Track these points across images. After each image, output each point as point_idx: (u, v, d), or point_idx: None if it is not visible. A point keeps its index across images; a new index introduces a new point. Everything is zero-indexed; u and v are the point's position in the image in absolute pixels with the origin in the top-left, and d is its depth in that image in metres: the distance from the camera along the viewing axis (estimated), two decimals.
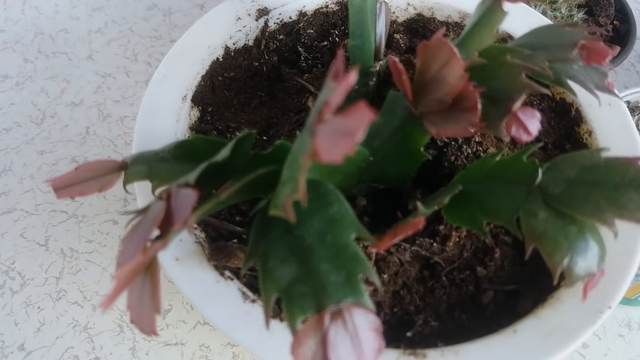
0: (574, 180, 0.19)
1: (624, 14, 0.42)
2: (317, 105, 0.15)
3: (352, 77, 0.14)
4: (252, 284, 0.22)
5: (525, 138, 0.19)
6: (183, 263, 0.22)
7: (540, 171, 0.20)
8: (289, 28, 0.31)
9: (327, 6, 0.31)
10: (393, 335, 0.22)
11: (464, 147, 0.25)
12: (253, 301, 0.21)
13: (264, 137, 0.28)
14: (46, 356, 0.37)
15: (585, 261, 0.18)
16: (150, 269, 0.16)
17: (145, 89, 0.48)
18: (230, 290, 0.22)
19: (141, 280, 0.17)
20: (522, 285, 0.24)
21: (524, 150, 0.21)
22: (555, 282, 0.19)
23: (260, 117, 0.29)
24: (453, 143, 0.26)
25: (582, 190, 0.19)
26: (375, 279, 0.17)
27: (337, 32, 0.31)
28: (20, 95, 0.48)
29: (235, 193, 0.17)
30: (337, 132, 0.13)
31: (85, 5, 0.54)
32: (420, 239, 0.24)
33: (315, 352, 0.16)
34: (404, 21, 0.32)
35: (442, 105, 0.20)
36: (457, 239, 0.24)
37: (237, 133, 0.28)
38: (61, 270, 0.40)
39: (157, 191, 0.21)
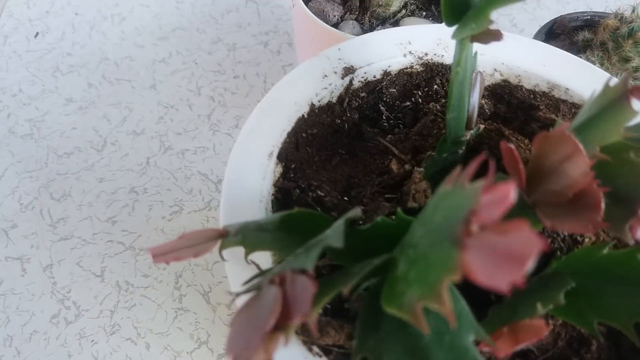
0: None
1: None
2: (453, 208, 0.15)
3: (512, 195, 0.13)
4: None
5: None
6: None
7: None
8: (372, 86, 0.31)
9: (412, 67, 0.31)
10: None
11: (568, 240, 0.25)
12: None
13: (345, 198, 0.28)
14: None
15: None
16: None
17: (207, 124, 0.48)
18: None
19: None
20: None
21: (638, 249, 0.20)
22: None
23: (341, 176, 0.28)
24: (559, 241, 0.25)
25: None
26: None
27: (420, 93, 0.31)
28: (82, 120, 0.48)
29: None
30: (496, 254, 0.12)
31: (151, 35, 0.55)
32: None
33: None
34: (489, 86, 0.32)
35: (560, 198, 0.19)
36: (552, 327, 0.23)
37: (319, 191, 0.27)
38: (116, 304, 0.39)
39: (269, 275, 0.21)
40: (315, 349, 0.22)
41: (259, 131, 0.27)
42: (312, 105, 0.29)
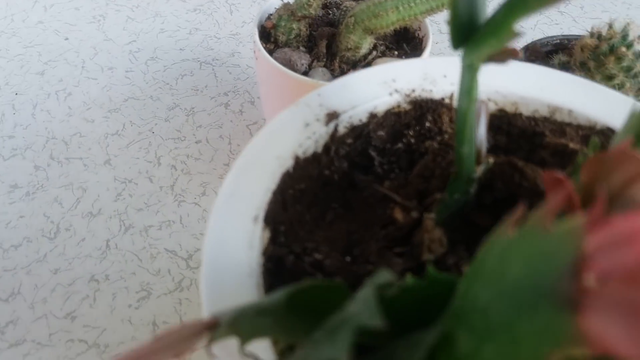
0: None
1: None
2: (539, 258, 0.11)
3: None
4: None
5: None
6: None
7: None
8: (358, 131, 0.27)
9: (399, 106, 0.28)
10: None
11: None
12: None
13: (347, 258, 0.24)
14: None
15: None
16: None
17: (170, 196, 0.44)
18: None
19: None
20: None
21: None
22: None
23: (338, 234, 0.25)
24: None
25: None
26: None
27: (411, 133, 0.28)
28: (30, 207, 0.43)
29: None
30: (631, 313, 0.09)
31: (101, 107, 0.51)
32: None
33: None
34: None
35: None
36: None
37: (316, 255, 0.23)
38: None
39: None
40: None
41: (239, 194, 0.23)
42: (297, 157, 0.25)
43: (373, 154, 0.27)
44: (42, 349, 0.36)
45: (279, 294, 0.16)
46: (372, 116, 0.28)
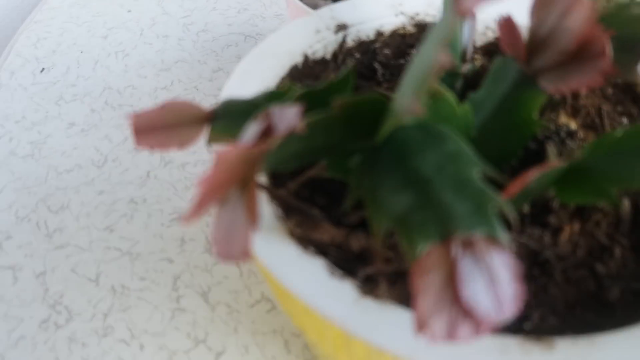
0: None
1: None
2: None
3: None
4: (340, 264, 0.20)
5: None
6: (265, 236, 0.20)
7: None
8: (365, 47, 0.31)
9: (404, 28, 0.31)
10: (508, 328, 0.19)
11: (568, 141, 0.23)
12: (342, 277, 0.19)
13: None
14: None
15: None
16: (246, 187, 0.14)
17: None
18: (315, 264, 0.19)
19: (233, 203, 0.15)
20: None
21: None
22: None
23: None
24: (555, 136, 0.24)
25: None
26: (511, 210, 0.14)
27: (414, 52, 0.31)
28: (84, 141, 0.49)
29: (342, 120, 0.16)
30: None
31: (153, 67, 0.56)
32: (530, 229, 0.21)
33: (442, 285, 0.13)
34: (482, 46, 0.32)
35: (563, 57, 0.18)
36: (570, 235, 0.21)
37: None
38: (110, 307, 0.37)
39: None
40: (312, 249, 0.20)
41: (252, 73, 0.27)
42: (307, 56, 0.29)
43: (377, 67, 0.31)
44: (83, 253, 0.40)
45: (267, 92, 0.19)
46: (379, 34, 0.31)
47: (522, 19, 0.31)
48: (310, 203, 0.22)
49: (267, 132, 0.14)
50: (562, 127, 0.24)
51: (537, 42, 0.19)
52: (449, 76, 0.26)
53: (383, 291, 0.19)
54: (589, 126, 0.25)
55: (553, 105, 0.25)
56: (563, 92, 0.18)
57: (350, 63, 0.31)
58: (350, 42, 0.31)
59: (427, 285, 0.13)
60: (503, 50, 0.20)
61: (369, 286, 0.19)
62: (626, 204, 0.23)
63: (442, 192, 0.15)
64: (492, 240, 0.14)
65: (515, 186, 0.16)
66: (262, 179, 0.23)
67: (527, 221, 0.22)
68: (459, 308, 0.13)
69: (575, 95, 0.25)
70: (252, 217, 0.14)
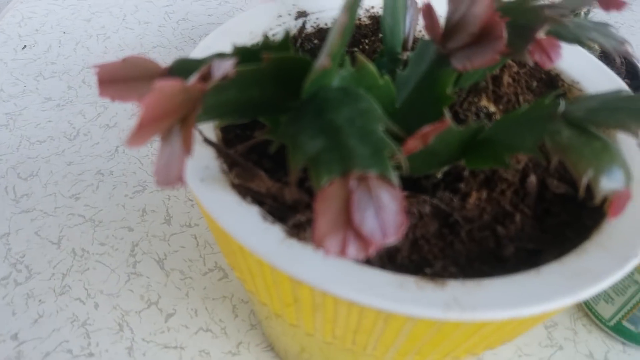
0: (597, 108, 0.20)
1: (633, 72, 0.45)
2: None
3: None
4: (273, 213, 0.22)
5: (548, 64, 0.20)
6: (207, 184, 0.22)
7: (562, 102, 0.20)
8: (323, 34, 0.33)
9: (359, 19, 0.34)
10: (410, 271, 0.21)
11: (486, 121, 0.26)
12: (273, 222, 0.21)
13: None
14: (39, 347, 0.35)
15: (610, 176, 0.18)
16: (185, 123, 0.17)
17: None
18: (251, 211, 0.21)
19: (173, 138, 0.17)
20: (545, 245, 0.23)
21: (546, 95, 0.22)
22: (581, 192, 0.18)
23: None
24: (474, 117, 0.26)
25: (605, 113, 0.19)
26: (401, 157, 0.17)
27: (367, 42, 0.34)
28: (58, 115, 0.51)
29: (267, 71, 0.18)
30: None
31: (132, 50, 0.59)
32: (441, 192, 0.24)
33: (339, 210, 0.16)
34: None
35: (470, 39, 0.21)
36: (477, 200, 0.24)
37: None
38: (69, 268, 0.39)
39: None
40: (250, 200, 0.22)
41: (214, 47, 0.29)
42: (266, 37, 0.31)
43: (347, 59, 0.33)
44: (47, 217, 0.42)
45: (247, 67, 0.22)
46: None
47: (443, 8, 0.34)
48: (257, 166, 0.25)
49: (206, 77, 0.17)
50: (482, 109, 0.27)
51: (451, 27, 0.22)
52: (390, 61, 0.29)
53: (308, 235, 0.21)
54: (508, 112, 0.27)
55: (477, 90, 0.28)
56: (468, 68, 0.21)
57: (307, 47, 0.33)
58: (309, 29, 0.33)
59: (326, 210, 0.16)
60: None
61: (296, 230, 0.21)
62: (532, 179, 0.25)
63: (349, 139, 0.17)
64: (384, 178, 0.17)
65: (413, 140, 0.18)
66: (213, 137, 0.26)
67: (441, 186, 0.25)
68: (351, 230, 0.16)
69: (498, 84, 0.28)
70: (187, 148, 0.16)
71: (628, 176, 0.19)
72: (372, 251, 0.16)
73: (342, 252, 0.16)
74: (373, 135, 0.18)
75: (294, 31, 0.33)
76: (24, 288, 0.38)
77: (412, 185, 0.25)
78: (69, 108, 0.51)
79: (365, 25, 0.34)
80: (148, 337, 0.36)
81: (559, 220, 0.25)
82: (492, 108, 0.27)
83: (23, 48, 0.57)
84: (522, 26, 0.21)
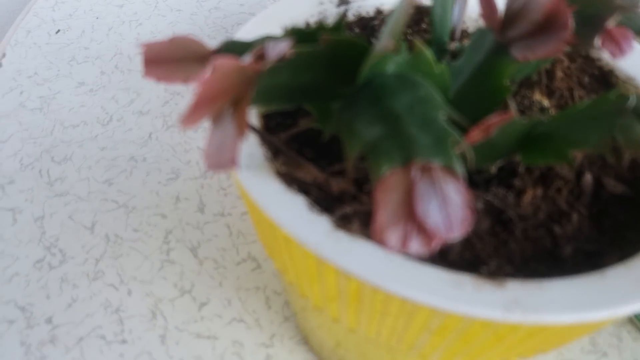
0: None
1: None
2: None
3: None
4: (319, 203, 0.21)
5: (618, 55, 0.19)
6: (252, 172, 0.22)
7: (633, 97, 0.19)
8: (365, 22, 0.33)
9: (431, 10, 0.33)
10: (463, 270, 0.20)
11: (539, 116, 0.25)
12: (320, 213, 0.21)
13: None
14: (72, 332, 0.35)
15: None
16: (239, 105, 0.16)
17: None
18: (297, 200, 0.21)
19: (225, 120, 0.16)
20: (604, 247, 0.22)
21: (610, 91, 0.20)
22: None
23: None
24: (528, 111, 0.25)
25: None
26: (466, 147, 0.16)
27: (410, 31, 0.33)
28: (91, 100, 0.50)
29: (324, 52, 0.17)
30: None
31: (164, 37, 0.58)
32: (494, 188, 0.23)
33: (400, 202, 0.15)
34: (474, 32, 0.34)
35: (532, 28, 0.20)
36: (532, 198, 0.23)
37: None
38: (102, 254, 0.39)
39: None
40: (296, 188, 0.22)
41: (255, 34, 0.29)
42: (308, 25, 0.30)
43: (374, 42, 0.32)
44: (81, 202, 0.42)
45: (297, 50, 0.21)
46: (379, 12, 0.33)
47: None
48: (300, 155, 0.24)
49: (261, 58, 0.16)
50: (535, 103, 0.26)
51: (511, 15, 0.21)
52: (438, 52, 0.28)
53: (355, 228, 0.20)
54: (562, 107, 0.26)
55: (530, 84, 0.27)
56: (530, 58, 0.20)
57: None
58: (350, 17, 0.32)
59: (387, 201, 0.15)
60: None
61: (343, 222, 0.21)
62: (588, 177, 0.24)
63: (409, 126, 0.16)
64: (448, 169, 0.16)
65: (477, 131, 0.18)
66: (256, 124, 0.25)
67: (494, 182, 0.24)
68: (413, 223, 0.15)
69: (551, 78, 0.27)
70: (241, 131, 0.16)
71: None
72: (435, 246, 0.15)
73: (404, 246, 0.15)
74: (434, 124, 0.17)
75: (335, 19, 0.32)
76: (58, 272, 0.38)
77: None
78: (102, 93, 0.51)
79: (409, 14, 0.33)
80: (181, 326, 0.35)
81: (616, 222, 0.23)
82: (545, 102, 0.26)
83: (57, 32, 0.57)
84: (591, 15, 0.19)
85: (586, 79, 0.29)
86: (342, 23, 0.20)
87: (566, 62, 0.30)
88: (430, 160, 0.16)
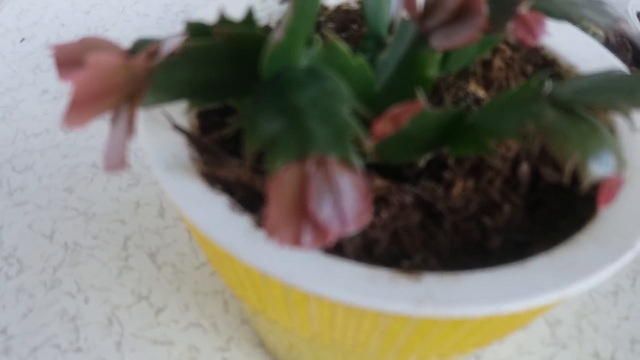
0: (586, 88, 0.18)
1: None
2: None
3: None
4: (243, 201, 0.21)
5: (531, 41, 0.19)
6: (174, 172, 0.21)
7: (549, 82, 0.19)
8: None
9: (347, 4, 0.33)
10: (387, 263, 0.20)
11: (474, 107, 0.25)
12: (242, 213, 0.20)
13: None
14: (27, 342, 0.35)
15: (599, 161, 0.17)
16: (131, 102, 0.16)
17: None
18: (218, 200, 0.20)
19: (120, 119, 0.16)
20: (534, 237, 0.22)
21: (532, 78, 0.20)
22: (566, 179, 0.17)
23: None
24: (463, 102, 0.25)
25: (594, 93, 0.18)
26: (365, 139, 0.16)
27: (355, 27, 0.33)
28: (55, 108, 0.50)
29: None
30: None
31: (130, 43, 0.58)
32: (423, 181, 0.23)
33: (293, 198, 0.15)
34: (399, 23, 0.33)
35: (449, 15, 0.20)
36: (463, 190, 0.23)
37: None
38: (61, 262, 0.39)
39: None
40: (219, 188, 0.21)
41: None
42: (223, 14, 0.30)
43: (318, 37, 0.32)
44: (40, 210, 0.42)
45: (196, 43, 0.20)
46: (324, 8, 0.33)
47: None
48: (236, 155, 0.24)
49: (154, 54, 0.16)
50: (470, 94, 0.25)
51: (430, 3, 0.20)
52: (375, 45, 0.28)
53: None
54: None
55: (466, 75, 0.26)
56: (447, 47, 0.19)
57: None
58: None
59: (279, 197, 0.15)
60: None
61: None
62: (524, 167, 0.24)
63: (310, 120, 0.16)
64: (345, 163, 0.15)
65: (382, 122, 0.17)
66: (187, 124, 0.25)
67: (425, 175, 0.23)
68: (306, 218, 0.15)
69: (488, 68, 0.27)
70: (130, 129, 0.15)
71: (620, 161, 0.18)
72: (330, 240, 0.15)
73: (296, 242, 0.14)
74: (336, 117, 0.16)
75: (278, 16, 0.32)
76: (15, 282, 0.37)
77: (393, 174, 0.23)
78: (66, 101, 0.51)
79: (354, 10, 0.33)
80: (137, 332, 0.35)
81: (551, 211, 0.23)
82: (481, 93, 0.26)
83: (21, 41, 0.57)
84: (506, 1, 0.19)
85: (529, 68, 0.29)
86: (252, 16, 0.20)
87: (508, 52, 0.29)
88: (326, 153, 0.15)
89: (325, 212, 0.15)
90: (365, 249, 0.21)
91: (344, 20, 0.33)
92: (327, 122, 0.16)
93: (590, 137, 0.17)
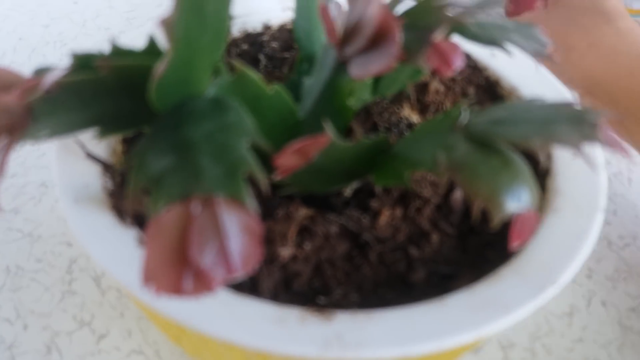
0: (502, 119, 0.18)
1: None
2: None
3: None
4: None
5: (446, 71, 0.18)
6: (82, 205, 0.20)
7: (465, 113, 0.18)
8: (252, 38, 0.31)
9: (287, 25, 0.32)
10: (303, 300, 0.19)
11: (406, 133, 0.24)
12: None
13: None
14: None
15: (510, 196, 0.16)
16: (11, 135, 0.15)
17: None
18: (126, 235, 0.20)
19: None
20: (460, 269, 0.21)
21: (454, 107, 0.19)
22: (475, 217, 0.16)
23: None
24: (395, 127, 0.24)
25: (509, 125, 0.17)
26: (260, 176, 0.15)
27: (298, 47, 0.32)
28: None
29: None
30: None
31: None
32: (349, 210, 0.22)
33: (173, 243, 0.14)
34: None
35: (366, 43, 0.19)
36: (390, 219, 0.22)
37: None
38: (1, 286, 0.37)
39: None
40: (130, 221, 0.20)
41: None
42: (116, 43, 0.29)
43: (262, 58, 0.31)
44: None
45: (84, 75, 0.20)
46: (267, 27, 0.32)
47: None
48: None
49: (31, 90, 0.15)
50: (403, 119, 0.25)
51: (349, 30, 0.20)
52: (310, 67, 0.27)
53: None
54: None
55: (401, 98, 0.26)
56: (363, 77, 0.19)
57: (234, 53, 0.31)
58: (235, 33, 0.31)
59: (160, 241, 0.14)
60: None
61: None
62: (457, 194, 0.23)
63: (201, 157, 0.15)
64: (235, 201, 0.14)
65: (286, 156, 0.16)
66: (104, 152, 0.24)
67: (353, 204, 0.22)
68: (188, 265, 0.14)
69: (424, 92, 0.26)
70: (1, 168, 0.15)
71: (533, 195, 0.17)
72: (215, 287, 0.14)
73: (176, 290, 0.13)
74: (231, 153, 0.16)
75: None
76: None
77: (320, 204, 0.22)
78: None
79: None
80: None
81: (482, 240, 0.22)
82: (414, 118, 0.25)
83: None
84: (422, 28, 0.18)
85: (472, 90, 0.29)
86: (154, 45, 0.19)
87: None
88: (214, 192, 0.14)
89: (207, 257, 0.14)
90: (284, 284, 0.20)
91: (287, 39, 0.32)
92: (220, 158, 0.15)
93: (501, 172, 0.16)
